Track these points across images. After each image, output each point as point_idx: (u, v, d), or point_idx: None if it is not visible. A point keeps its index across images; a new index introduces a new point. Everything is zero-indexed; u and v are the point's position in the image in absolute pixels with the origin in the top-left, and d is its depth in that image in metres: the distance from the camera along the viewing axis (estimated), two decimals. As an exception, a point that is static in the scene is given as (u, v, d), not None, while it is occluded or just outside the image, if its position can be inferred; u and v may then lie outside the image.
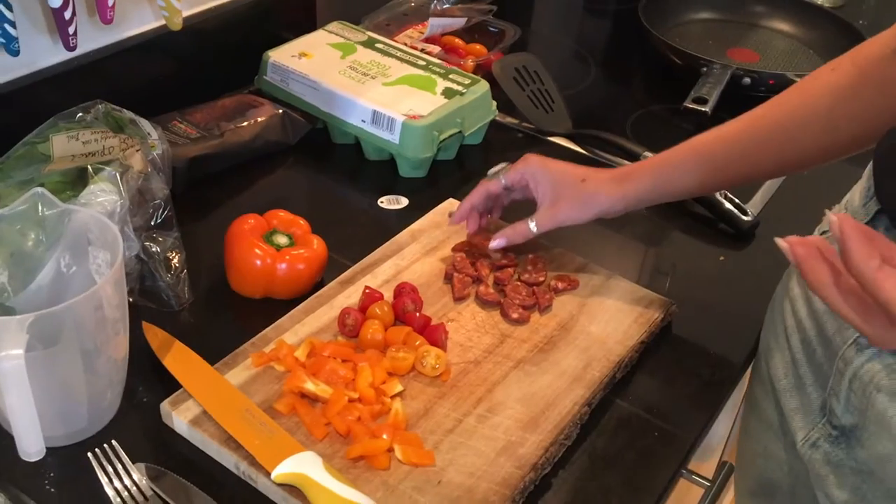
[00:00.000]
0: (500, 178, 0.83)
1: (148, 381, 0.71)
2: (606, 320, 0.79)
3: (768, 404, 0.78)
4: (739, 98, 1.16)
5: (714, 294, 0.87)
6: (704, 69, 1.14)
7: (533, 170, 0.81)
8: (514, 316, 0.78)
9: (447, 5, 1.23)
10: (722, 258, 0.92)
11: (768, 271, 0.90)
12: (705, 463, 1.08)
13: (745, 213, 0.94)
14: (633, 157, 1.01)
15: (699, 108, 1.06)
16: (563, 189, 0.79)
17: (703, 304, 0.85)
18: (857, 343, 0.62)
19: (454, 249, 0.86)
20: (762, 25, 1.38)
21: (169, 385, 0.69)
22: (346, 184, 1.02)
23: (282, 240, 0.80)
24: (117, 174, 0.73)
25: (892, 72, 0.66)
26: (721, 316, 0.84)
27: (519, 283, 0.82)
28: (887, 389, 0.59)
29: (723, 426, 1.16)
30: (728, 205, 0.94)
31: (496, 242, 0.83)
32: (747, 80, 1.17)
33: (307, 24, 1.15)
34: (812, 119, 0.71)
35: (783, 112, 0.72)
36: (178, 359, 0.71)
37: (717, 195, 0.95)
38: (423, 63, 1.07)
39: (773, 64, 1.25)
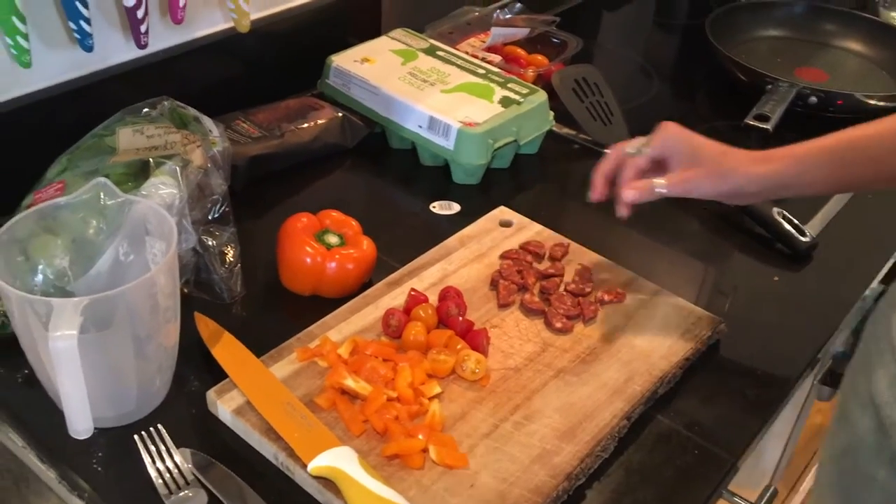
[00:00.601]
0: (643, 154, 0.79)
1: (198, 369, 0.74)
2: (652, 335, 0.78)
3: (864, 419, 0.75)
4: (806, 117, 1.14)
5: (765, 314, 0.86)
6: (769, 86, 1.12)
7: (673, 135, 0.79)
8: (558, 325, 0.78)
9: (510, 15, 1.24)
10: (776, 279, 0.90)
11: (823, 294, 0.88)
12: (756, 490, 1.06)
13: (804, 235, 0.92)
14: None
15: (760, 125, 1.04)
16: (703, 159, 0.76)
17: (753, 323, 0.84)
18: None
19: (502, 257, 0.86)
20: (833, 45, 1.35)
21: (217, 375, 0.71)
22: (400, 188, 1.03)
23: (332, 239, 0.82)
24: (178, 168, 0.76)
25: None
26: (771, 337, 0.83)
27: (565, 293, 0.82)
28: None
29: (773, 451, 1.13)
30: (786, 225, 0.92)
31: (629, 195, 0.78)
32: (814, 98, 1.14)
33: (371, 31, 1.17)
34: None
35: None
36: (227, 349, 0.73)
37: (776, 215, 0.93)
38: (483, 71, 1.08)
39: (843, 84, 1.22)
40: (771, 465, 1.18)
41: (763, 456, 1.09)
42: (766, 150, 0.76)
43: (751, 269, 0.92)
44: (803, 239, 0.92)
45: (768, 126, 1.05)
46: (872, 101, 1.15)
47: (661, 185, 0.77)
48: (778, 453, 1.17)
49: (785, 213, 0.94)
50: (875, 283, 0.95)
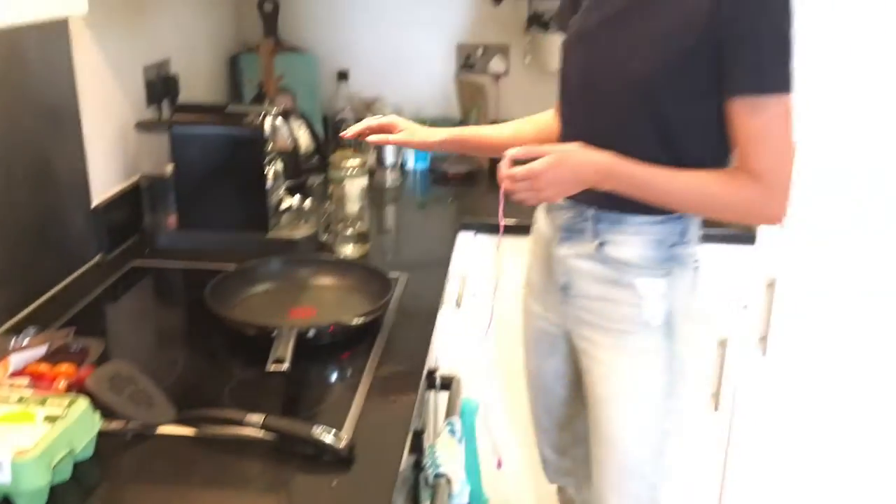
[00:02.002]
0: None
1: None
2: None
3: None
4: (315, 346, 1.39)
5: (337, 515, 1.03)
6: (274, 333, 1.35)
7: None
8: None
9: (26, 339, 1.29)
10: (335, 483, 1.09)
11: (373, 482, 1.09)
12: None
13: (342, 440, 1.13)
14: (238, 424, 1.16)
15: (279, 368, 1.25)
16: None
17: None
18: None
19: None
20: (312, 284, 1.65)
21: None
22: (-40, 540, 1.00)
23: None
24: None
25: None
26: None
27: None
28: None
29: None
30: (324, 438, 1.12)
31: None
32: (312, 331, 1.40)
33: None
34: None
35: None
36: None
37: (315, 432, 1.12)
38: (16, 398, 1.11)
39: (329, 313, 1.52)
40: None
41: None
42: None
43: (312, 483, 1.10)
44: (342, 445, 1.13)
45: (285, 367, 1.26)
46: (355, 321, 1.45)
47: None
48: None
49: (324, 426, 1.14)
50: (406, 456, 1.19)
